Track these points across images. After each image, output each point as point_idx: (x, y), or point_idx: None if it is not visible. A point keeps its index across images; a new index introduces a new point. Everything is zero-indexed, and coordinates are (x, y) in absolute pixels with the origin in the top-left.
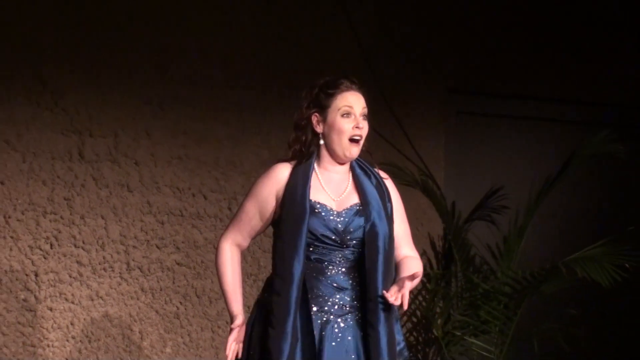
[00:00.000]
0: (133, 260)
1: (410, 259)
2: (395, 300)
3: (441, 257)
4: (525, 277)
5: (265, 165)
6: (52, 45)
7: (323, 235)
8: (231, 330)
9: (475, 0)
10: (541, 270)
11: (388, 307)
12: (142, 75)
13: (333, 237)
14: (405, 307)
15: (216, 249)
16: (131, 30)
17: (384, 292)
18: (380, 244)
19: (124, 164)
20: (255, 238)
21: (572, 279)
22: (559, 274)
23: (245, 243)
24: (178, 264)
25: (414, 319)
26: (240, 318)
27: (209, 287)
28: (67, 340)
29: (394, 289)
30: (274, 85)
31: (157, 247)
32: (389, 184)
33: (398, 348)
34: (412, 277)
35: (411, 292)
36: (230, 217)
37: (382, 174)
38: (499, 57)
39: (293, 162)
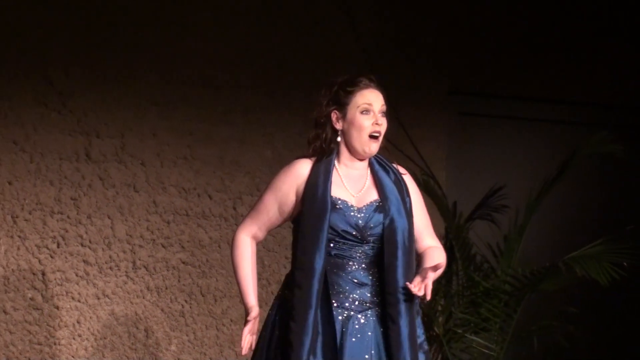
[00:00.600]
0: (139, 259)
1: (433, 249)
2: (418, 290)
3: None
4: (525, 275)
5: (270, 165)
6: (60, 47)
7: (344, 231)
8: (247, 322)
9: (477, 2)
10: (541, 268)
11: (409, 300)
12: (148, 76)
13: (354, 233)
14: (428, 297)
15: (232, 240)
16: (137, 32)
17: (407, 283)
18: (399, 239)
19: (131, 165)
20: None
21: (571, 277)
22: (559, 273)
23: (261, 235)
24: (183, 262)
25: (422, 307)
26: (255, 310)
27: (213, 285)
28: (74, 339)
29: (417, 279)
30: (279, 87)
31: (163, 246)
32: (408, 179)
33: (419, 341)
34: (435, 268)
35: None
36: (234, 216)
37: (401, 170)
38: (500, 59)
39: (313, 159)
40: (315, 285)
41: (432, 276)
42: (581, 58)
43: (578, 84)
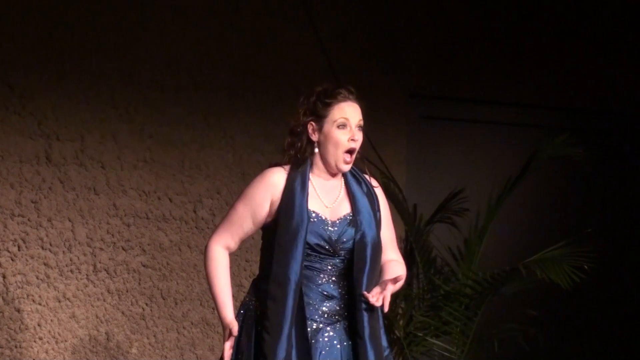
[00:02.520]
0: (99, 262)
1: (395, 263)
2: (376, 301)
3: (403, 259)
4: (486, 278)
5: (230, 169)
6: (20, 50)
7: (317, 244)
8: (229, 336)
9: (437, 6)
10: (501, 271)
11: (373, 314)
12: (109, 79)
13: (327, 247)
14: (386, 309)
15: (205, 251)
16: (98, 35)
17: (365, 292)
18: (368, 253)
19: (91, 167)
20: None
21: (531, 280)
22: (519, 276)
23: (234, 246)
24: (144, 265)
25: (383, 318)
26: (235, 325)
27: (174, 288)
28: (35, 341)
29: (375, 290)
30: (239, 90)
31: (123, 249)
32: (379, 192)
33: (385, 354)
34: (394, 280)
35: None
36: (195, 219)
37: (373, 182)
38: (461, 62)
39: (287, 167)
40: (291, 298)
41: (391, 288)
42: (541, 61)
43: (538, 87)
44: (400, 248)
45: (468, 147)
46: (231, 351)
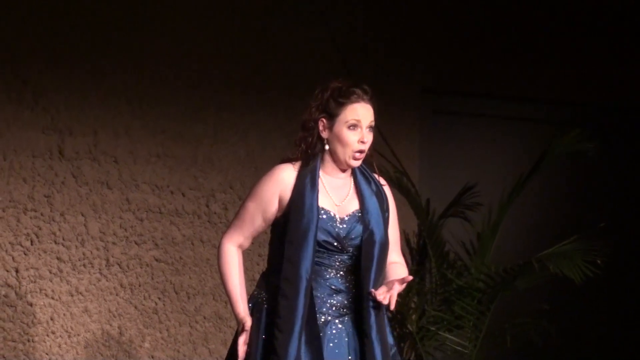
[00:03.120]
0: (112, 256)
1: (397, 266)
2: (384, 299)
3: (416, 254)
4: (499, 273)
5: (243, 164)
6: (33, 46)
7: (325, 241)
8: (242, 332)
9: (450, 1)
10: (514, 266)
11: (379, 312)
12: (122, 75)
13: (335, 244)
14: (392, 307)
15: (218, 250)
16: (111, 31)
17: (372, 290)
18: (376, 252)
19: (104, 162)
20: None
21: (544, 274)
22: (532, 270)
23: (247, 244)
24: (156, 260)
25: (389, 314)
26: (249, 320)
27: (187, 283)
28: (47, 335)
29: (382, 289)
30: (252, 85)
31: (136, 243)
32: (387, 190)
33: (391, 353)
34: (402, 281)
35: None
36: (207, 214)
37: (382, 181)
38: (474, 58)
39: (296, 164)
40: (302, 296)
41: (397, 288)
42: (554, 56)
43: (551, 82)
44: (413, 242)
45: (481, 142)
46: (245, 347)
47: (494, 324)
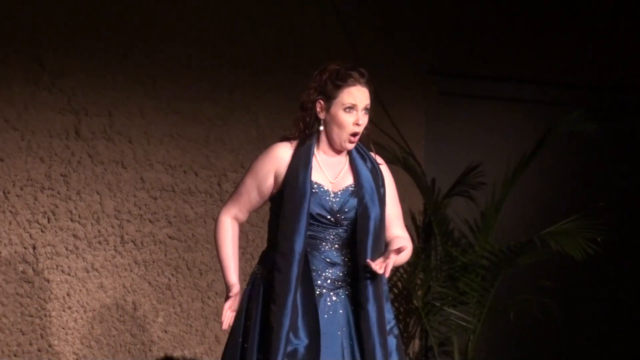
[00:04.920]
0: (127, 234)
1: (400, 239)
2: (380, 269)
3: (421, 232)
4: (502, 250)
5: (254, 144)
6: (50, 28)
7: (319, 214)
8: (228, 298)
9: None
10: (517, 244)
11: (376, 285)
12: (136, 56)
13: (328, 217)
14: (387, 274)
15: (215, 222)
16: (125, 13)
17: (369, 261)
18: (371, 225)
19: (119, 142)
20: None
21: (546, 252)
22: (534, 248)
23: (243, 217)
24: (170, 237)
25: (395, 291)
26: (236, 287)
27: (199, 259)
28: (64, 311)
29: (379, 259)
30: (263, 67)
31: (150, 221)
32: (384, 169)
33: (388, 327)
34: (398, 251)
35: (395, 266)
36: (219, 192)
37: (379, 159)
38: (479, 40)
39: (294, 142)
40: (295, 269)
41: (394, 258)
42: (559, 38)
43: (556, 64)
44: (419, 221)
45: (485, 123)
46: (230, 313)
47: (498, 300)
